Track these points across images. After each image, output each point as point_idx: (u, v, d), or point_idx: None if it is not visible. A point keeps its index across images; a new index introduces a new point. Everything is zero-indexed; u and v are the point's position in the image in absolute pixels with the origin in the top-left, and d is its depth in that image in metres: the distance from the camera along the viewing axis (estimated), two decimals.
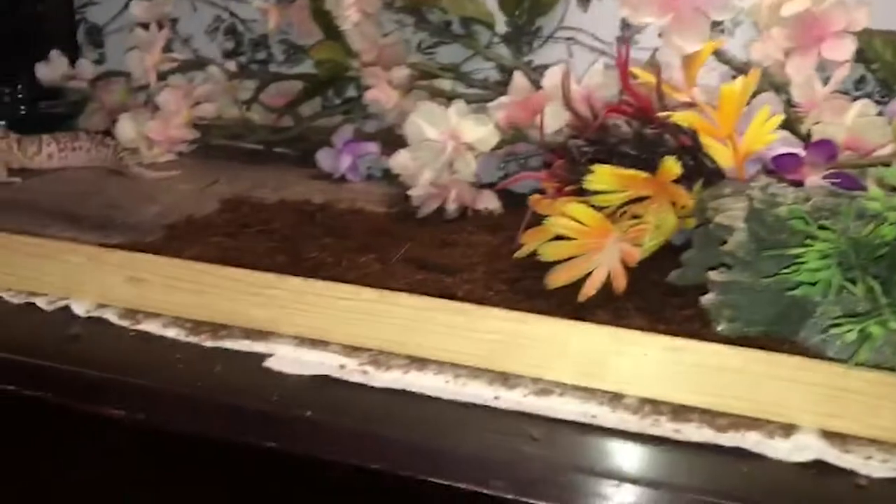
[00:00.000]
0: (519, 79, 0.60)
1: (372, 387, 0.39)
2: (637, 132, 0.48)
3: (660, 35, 0.53)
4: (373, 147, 0.70)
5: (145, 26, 0.72)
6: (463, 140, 0.58)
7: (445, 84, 0.70)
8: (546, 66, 0.72)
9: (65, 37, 0.84)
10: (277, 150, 0.76)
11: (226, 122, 0.74)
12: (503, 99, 0.61)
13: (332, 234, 0.56)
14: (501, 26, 0.71)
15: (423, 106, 0.60)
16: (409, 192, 0.60)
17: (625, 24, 0.71)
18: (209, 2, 0.81)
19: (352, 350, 0.42)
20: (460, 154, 0.58)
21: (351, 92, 0.77)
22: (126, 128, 0.70)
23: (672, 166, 0.45)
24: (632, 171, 0.46)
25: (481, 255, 0.53)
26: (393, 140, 0.70)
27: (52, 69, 0.77)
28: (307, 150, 0.73)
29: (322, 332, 0.42)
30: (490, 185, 0.63)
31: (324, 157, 0.70)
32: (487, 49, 0.71)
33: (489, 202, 0.61)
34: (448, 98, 0.66)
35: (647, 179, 0.46)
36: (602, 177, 0.46)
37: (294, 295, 0.43)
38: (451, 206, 0.59)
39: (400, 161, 0.61)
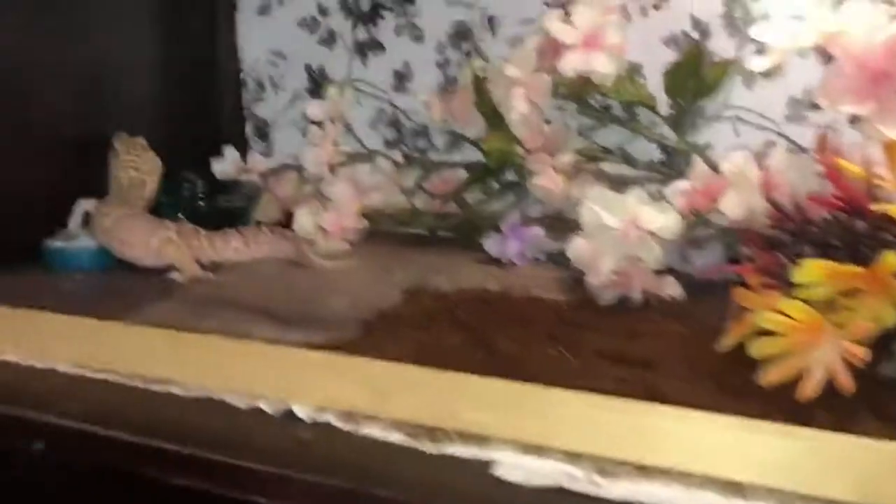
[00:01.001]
0: (699, 165, 0.60)
1: (606, 499, 0.39)
2: (847, 225, 0.47)
3: (851, 122, 0.53)
4: (539, 232, 0.71)
5: (318, 123, 0.76)
6: (644, 227, 0.58)
7: (608, 167, 0.71)
8: (708, 146, 0.73)
9: (235, 132, 0.90)
10: (440, 235, 0.78)
11: (392, 210, 0.76)
12: (682, 184, 0.61)
13: (516, 325, 0.57)
14: (663, 106, 0.71)
15: (597, 191, 0.61)
16: (589, 279, 0.61)
17: (793, 103, 0.70)
18: (372, 95, 0.85)
19: (575, 458, 0.42)
20: (644, 241, 0.58)
21: (510, 176, 0.79)
22: (304, 220, 0.74)
23: (892, 261, 0.44)
24: (845, 266, 0.45)
25: (676, 346, 0.53)
26: (557, 224, 0.72)
27: (227, 164, 0.82)
28: (470, 235, 0.75)
29: (542, 438, 0.43)
30: (669, 271, 0.63)
31: (491, 243, 0.72)
32: (649, 130, 0.72)
33: (672, 289, 0.61)
34: (611, 181, 0.67)
35: (861, 274, 0.45)
36: (811, 271, 0.45)
37: (514, 400, 0.43)
38: (636, 294, 0.59)
39: (577, 248, 0.62)
